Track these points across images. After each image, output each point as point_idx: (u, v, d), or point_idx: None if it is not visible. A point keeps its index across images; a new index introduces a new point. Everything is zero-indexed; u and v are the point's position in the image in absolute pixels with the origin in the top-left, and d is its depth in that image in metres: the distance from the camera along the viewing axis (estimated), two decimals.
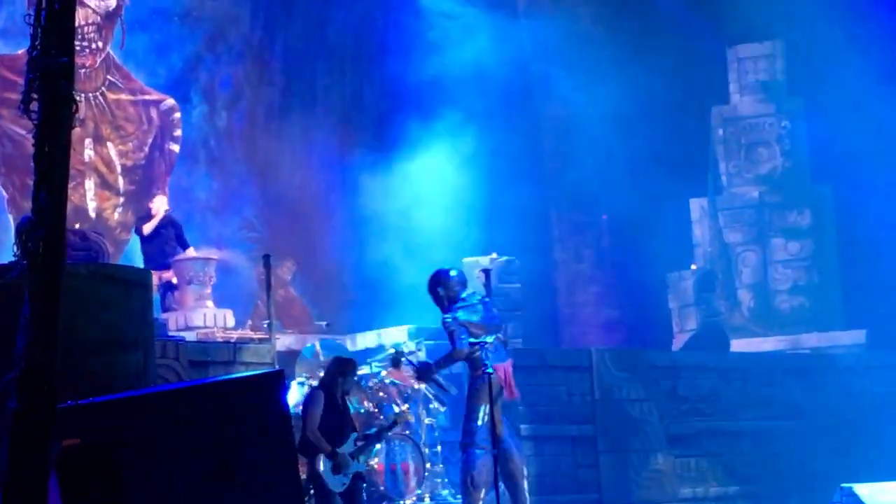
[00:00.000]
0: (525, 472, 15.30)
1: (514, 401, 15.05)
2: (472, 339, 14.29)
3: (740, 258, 23.66)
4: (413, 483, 14.98)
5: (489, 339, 14.44)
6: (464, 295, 14.54)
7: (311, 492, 13.55)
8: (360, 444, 13.77)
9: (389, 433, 14.46)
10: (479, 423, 14.37)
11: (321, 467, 13.46)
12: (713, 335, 21.87)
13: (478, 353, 14.30)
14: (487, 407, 13.69)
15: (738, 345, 21.67)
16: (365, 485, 14.00)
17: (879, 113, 22.64)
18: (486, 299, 14.91)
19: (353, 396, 14.68)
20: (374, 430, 14.19)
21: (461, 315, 14.31)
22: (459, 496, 15.12)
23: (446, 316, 14.34)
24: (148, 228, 19.91)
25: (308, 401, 13.80)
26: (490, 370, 13.53)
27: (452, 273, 14.77)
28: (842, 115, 22.64)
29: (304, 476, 13.35)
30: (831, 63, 22.66)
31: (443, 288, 14.54)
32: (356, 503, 13.76)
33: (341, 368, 13.86)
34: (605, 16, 25.52)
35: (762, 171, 23.84)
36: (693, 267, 23.77)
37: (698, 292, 23.15)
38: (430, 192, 23.10)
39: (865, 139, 22.22)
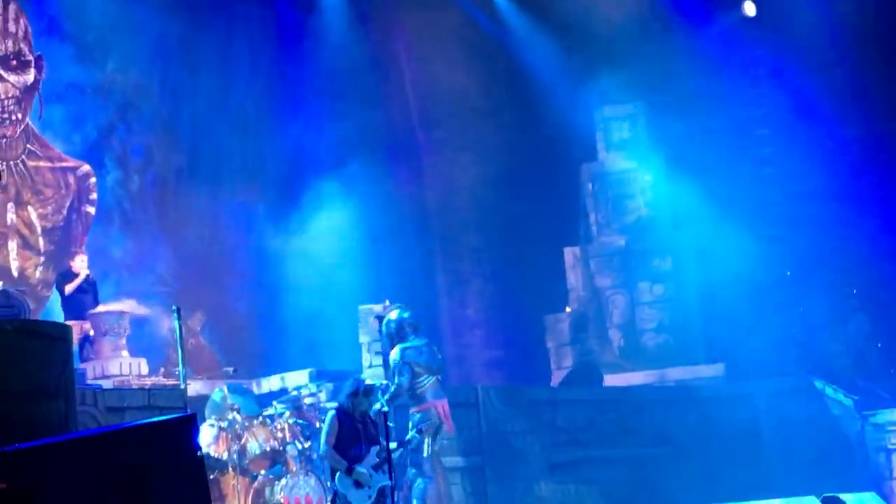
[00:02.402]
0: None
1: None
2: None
3: (610, 301, 23.74)
4: None
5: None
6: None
7: None
8: (382, 456, 13.07)
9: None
10: (425, 454, 14.71)
11: (342, 485, 12.90)
12: (588, 371, 21.98)
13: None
14: (430, 439, 13.80)
15: (610, 379, 21.75)
16: (390, 501, 13.22)
17: (730, 164, 22.98)
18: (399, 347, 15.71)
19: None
20: (401, 440, 13.70)
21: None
22: None
23: None
24: (69, 289, 19.76)
25: (326, 421, 13.27)
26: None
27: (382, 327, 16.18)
28: (698, 167, 22.91)
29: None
30: (687, 121, 22.92)
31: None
32: None
33: (354, 390, 13.29)
34: (486, 83, 25.74)
35: (628, 220, 23.95)
36: (568, 310, 23.85)
37: (573, 333, 23.24)
38: (328, 245, 23.16)
39: (720, 189, 22.51)
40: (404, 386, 15.21)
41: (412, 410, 15.44)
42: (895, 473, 19.41)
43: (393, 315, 15.93)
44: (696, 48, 23.59)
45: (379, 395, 14.46)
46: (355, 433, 13.13)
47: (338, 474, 12.94)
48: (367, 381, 13.68)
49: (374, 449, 13.09)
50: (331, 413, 13.30)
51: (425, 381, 15.28)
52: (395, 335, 15.57)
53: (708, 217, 22.41)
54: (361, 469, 12.92)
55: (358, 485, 12.88)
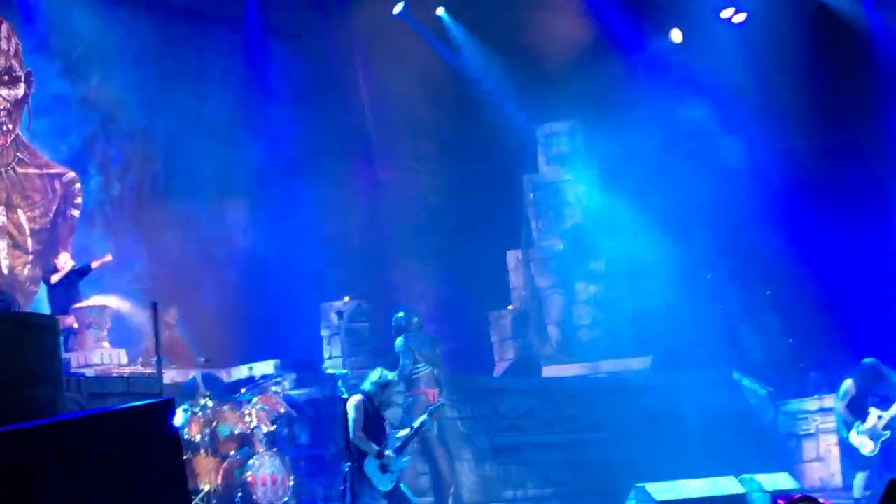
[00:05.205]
0: None
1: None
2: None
3: (549, 299, 23.85)
4: (280, 492, 14.96)
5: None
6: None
7: (349, 495, 12.34)
8: (400, 440, 12.86)
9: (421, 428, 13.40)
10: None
11: (369, 469, 12.56)
12: (528, 363, 22.09)
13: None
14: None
15: (548, 371, 21.85)
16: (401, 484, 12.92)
17: (658, 176, 23.18)
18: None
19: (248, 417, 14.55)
20: (412, 427, 13.27)
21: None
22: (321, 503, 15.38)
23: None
24: (55, 279, 19.74)
25: (352, 408, 12.76)
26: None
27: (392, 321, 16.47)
28: (629, 179, 23.10)
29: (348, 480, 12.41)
30: (619, 137, 23.08)
31: None
32: (405, 499, 12.85)
33: (384, 381, 12.97)
34: (437, 101, 25.80)
35: (565, 227, 24.07)
36: (510, 307, 23.96)
37: (515, 328, 23.34)
38: (292, 246, 23.19)
39: (648, 198, 22.70)
40: (407, 368, 15.41)
41: (405, 395, 15.65)
42: (805, 457, 19.66)
43: (401, 314, 16.24)
44: (629, 71, 23.81)
45: (339, 384, 14.51)
46: (378, 420, 12.93)
47: (366, 459, 12.59)
48: (385, 372, 13.26)
49: (393, 434, 12.93)
50: (357, 399, 12.90)
51: (422, 370, 15.46)
52: (404, 328, 15.79)
53: (637, 224, 22.58)
54: (390, 453, 12.70)
55: (384, 469, 12.61)
